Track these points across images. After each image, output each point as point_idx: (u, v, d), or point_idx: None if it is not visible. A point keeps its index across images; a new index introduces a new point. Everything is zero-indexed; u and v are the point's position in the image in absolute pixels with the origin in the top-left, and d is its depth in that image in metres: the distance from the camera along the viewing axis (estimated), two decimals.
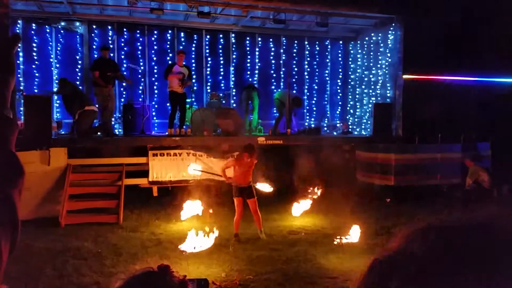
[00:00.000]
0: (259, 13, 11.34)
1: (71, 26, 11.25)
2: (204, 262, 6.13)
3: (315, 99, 13.49)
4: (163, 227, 8.10)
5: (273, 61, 13.00)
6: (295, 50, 13.20)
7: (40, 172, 8.62)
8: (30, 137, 8.40)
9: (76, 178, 8.91)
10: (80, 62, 11.44)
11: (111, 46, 11.25)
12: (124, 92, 11.46)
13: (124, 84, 10.96)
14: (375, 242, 6.81)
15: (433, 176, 10.84)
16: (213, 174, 9.43)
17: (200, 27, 12.14)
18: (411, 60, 11.01)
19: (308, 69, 13.37)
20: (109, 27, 11.60)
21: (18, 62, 10.61)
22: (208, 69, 12.47)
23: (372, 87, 12.35)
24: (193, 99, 10.83)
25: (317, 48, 13.41)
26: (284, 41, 13.10)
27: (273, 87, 12.92)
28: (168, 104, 10.87)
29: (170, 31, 12.08)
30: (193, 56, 12.30)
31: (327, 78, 13.58)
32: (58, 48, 11.27)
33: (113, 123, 10.57)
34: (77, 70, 11.39)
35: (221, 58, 12.53)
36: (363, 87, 12.81)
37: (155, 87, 11.96)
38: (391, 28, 11.48)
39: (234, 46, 12.67)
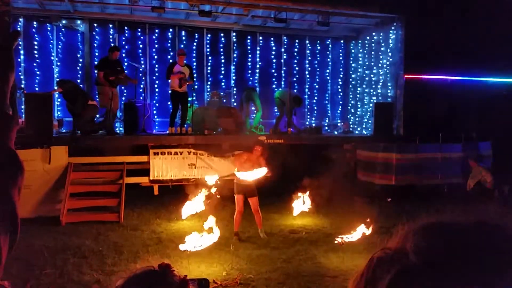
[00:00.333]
0: (260, 12, 11.33)
1: (72, 25, 11.25)
2: (205, 261, 6.14)
3: (316, 98, 13.48)
4: (164, 225, 8.10)
5: (274, 60, 12.99)
6: (296, 49, 13.20)
7: (41, 170, 8.62)
8: (31, 135, 8.41)
9: (77, 177, 8.92)
10: (81, 60, 11.44)
11: (112, 44, 11.25)
12: (125, 91, 11.45)
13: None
14: (376, 241, 6.81)
15: (434, 176, 10.84)
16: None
17: (201, 26, 12.13)
18: (412, 60, 11.00)
19: (309, 68, 13.36)
20: (110, 26, 11.60)
21: (19, 60, 10.61)
22: (209, 68, 12.47)
23: (373, 86, 12.34)
24: (194, 98, 10.83)
25: (318, 47, 13.41)
26: (285, 40, 13.10)
27: (274, 86, 12.90)
28: (169, 103, 10.87)
29: (171, 30, 12.08)
30: (194, 54, 12.30)
31: (328, 78, 13.57)
32: (59, 47, 11.27)
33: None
34: (78, 68, 11.39)
35: (222, 57, 12.53)
36: (364, 86, 12.80)
37: (156, 86, 11.95)
38: (392, 28, 11.46)
39: (235, 45, 12.66)
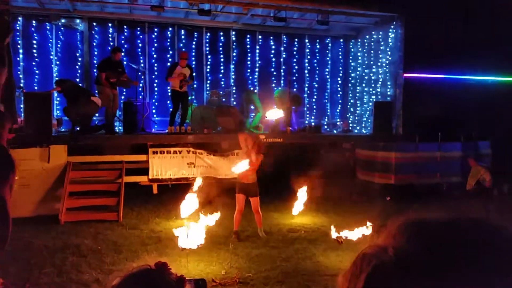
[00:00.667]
0: (259, 11, 11.33)
1: (71, 24, 11.23)
2: (203, 259, 6.14)
3: (315, 97, 13.47)
4: (163, 224, 8.10)
5: (273, 59, 12.99)
6: (295, 48, 13.19)
7: (40, 169, 8.62)
8: (30, 134, 8.42)
9: (76, 176, 8.91)
10: (80, 59, 11.42)
11: (111, 43, 11.24)
12: (124, 90, 11.44)
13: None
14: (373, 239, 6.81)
15: (433, 175, 10.85)
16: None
17: (200, 25, 12.12)
18: (411, 59, 10.99)
19: (309, 67, 13.36)
20: (110, 25, 11.58)
21: (18, 59, 10.60)
22: (208, 67, 12.46)
23: (373, 85, 12.34)
24: (193, 97, 10.83)
25: (318, 46, 13.40)
26: (285, 39, 13.09)
27: (273, 85, 12.89)
28: (168, 102, 10.85)
29: (170, 29, 12.06)
30: (193, 53, 12.29)
31: (328, 76, 13.56)
32: (59, 46, 11.25)
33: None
34: (77, 67, 11.37)
35: (222, 56, 12.52)
36: (364, 85, 12.79)
37: (155, 85, 11.94)
38: (392, 27, 11.46)
39: (234, 44, 12.65)
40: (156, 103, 11.84)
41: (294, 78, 12.85)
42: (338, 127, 12.92)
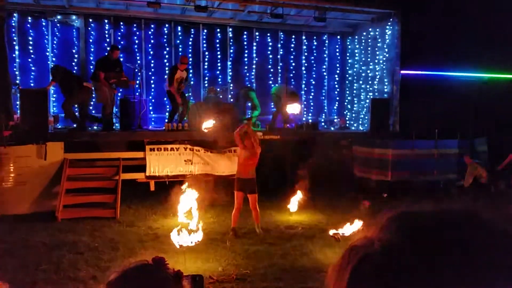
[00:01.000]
0: (256, 7, 11.30)
1: (67, 20, 11.17)
2: (201, 256, 6.14)
3: (312, 94, 13.47)
4: (160, 221, 8.09)
5: (270, 56, 12.96)
6: (292, 45, 13.17)
7: (37, 166, 8.59)
8: (26, 131, 8.38)
9: (73, 173, 8.88)
10: (76, 56, 11.38)
11: (108, 40, 11.19)
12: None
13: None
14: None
15: (430, 172, 10.87)
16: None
17: (197, 21, 12.08)
18: (408, 56, 11.01)
19: (306, 64, 13.35)
20: (106, 21, 11.53)
21: (14, 56, 10.55)
22: (205, 63, 12.43)
23: (370, 82, 12.35)
24: (190, 94, 10.80)
25: (315, 43, 13.39)
26: (282, 35, 13.07)
27: (270, 82, 12.89)
28: (165, 99, 10.81)
29: (167, 25, 12.02)
30: (190, 50, 12.25)
31: (325, 73, 13.56)
32: (54, 42, 11.20)
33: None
34: (73, 64, 11.31)
35: (219, 53, 12.49)
36: (361, 82, 12.80)
37: (151, 82, 11.91)
38: (389, 23, 11.46)
39: (231, 40, 12.62)
40: (153, 100, 11.80)
41: (291, 75, 12.84)
42: (335, 124, 12.93)
